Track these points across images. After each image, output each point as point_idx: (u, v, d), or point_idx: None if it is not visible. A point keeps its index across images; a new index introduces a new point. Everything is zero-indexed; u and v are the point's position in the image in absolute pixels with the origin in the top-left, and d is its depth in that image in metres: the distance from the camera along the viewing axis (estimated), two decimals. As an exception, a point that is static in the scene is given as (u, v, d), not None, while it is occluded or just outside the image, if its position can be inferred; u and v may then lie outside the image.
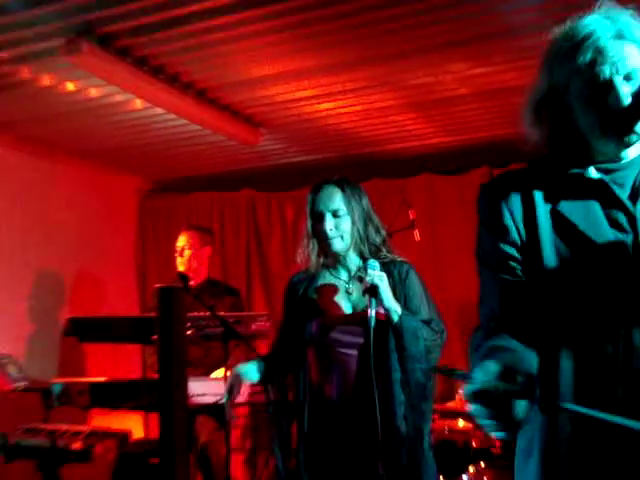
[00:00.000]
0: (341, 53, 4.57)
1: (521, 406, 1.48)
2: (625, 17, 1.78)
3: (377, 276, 2.96)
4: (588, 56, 1.72)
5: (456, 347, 6.15)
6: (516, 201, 1.88)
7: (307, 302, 3.24)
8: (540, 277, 1.80)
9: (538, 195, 1.84)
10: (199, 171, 7.36)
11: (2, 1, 3.76)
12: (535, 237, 1.81)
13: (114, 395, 4.89)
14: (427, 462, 3.13)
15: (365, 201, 3.31)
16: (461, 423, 4.96)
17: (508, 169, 2.04)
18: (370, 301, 2.93)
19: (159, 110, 5.33)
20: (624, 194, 1.77)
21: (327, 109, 5.64)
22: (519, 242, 1.86)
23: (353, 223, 3.20)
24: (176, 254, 5.82)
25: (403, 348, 3.03)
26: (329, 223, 3.16)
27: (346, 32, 4.24)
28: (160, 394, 4.31)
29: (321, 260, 3.29)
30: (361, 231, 3.22)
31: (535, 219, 1.82)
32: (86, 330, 5.21)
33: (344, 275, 3.28)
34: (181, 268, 5.69)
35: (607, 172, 1.80)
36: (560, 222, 1.79)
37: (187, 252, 5.74)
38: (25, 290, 6.18)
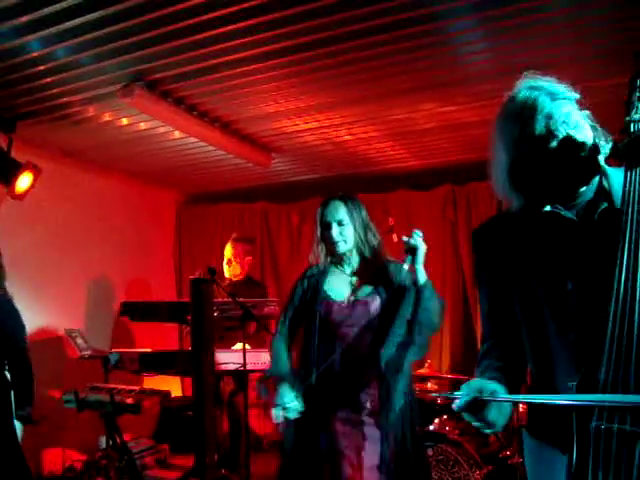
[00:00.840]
0: (337, 94, 4.64)
1: (495, 411, 1.61)
2: (547, 81, 1.76)
3: (419, 241, 2.97)
4: (541, 123, 1.66)
5: (434, 338, 6.25)
6: (496, 244, 1.90)
7: (319, 290, 3.18)
8: (517, 299, 1.83)
9: (514, 237, 1.85)
10: (224, 186, 7.39)
11: (75, 57, 3.85)
12: (513, 267, 1.83)
13: (157, 362, 4.95)
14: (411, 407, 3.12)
15: (364, 212, 3.27)
16: (429, 385, 5.01)
17: (493, 217, 2.03)
18: (407, 258, 2.94)
19: (192, 139, 5.40)
20: (580, 216, 1.74)
21: (325, 138, 5.68)
22: (502, 277, 1.85)
23: (355, 230, 3.17)
24: (224, 262, 5.74)
25: (421, 306, 2.99)
26: (335, 230, 3.13)
27: (341, 78, 4.32)
28: (193, 362, 4.38)
29: (329, 259, 3.25)
30: (361, 236, 3.19)
31: (512, 256, 1.83)
32: (135, 311, 5.26)
33: (348, 270, 3.23)
34: (227, 275, 5.69)
35: (568, 201, 1.76)
36: (530, 255, 1.80)
37: (234, 263, 5.68)
38: (89, 280, 6.25)
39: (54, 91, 4.40)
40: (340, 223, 3.15)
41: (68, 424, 5.23)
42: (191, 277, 4.52)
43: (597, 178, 1.76)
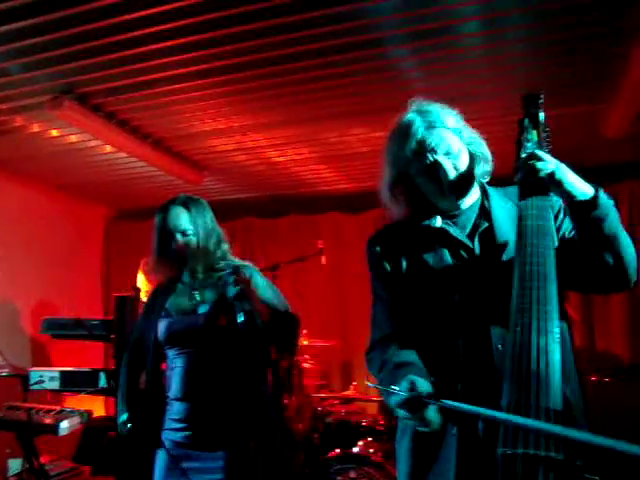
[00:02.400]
0: (270, 115, 4.65)
1: (433, 410, 1.61)
2: (434, 108, 1.90)
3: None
4: (413, 147, 1.83)
5: (360, 360, 6.24)
6: (390, 249, 1.98)
7: (156, 307, 2.87)
8: (409, 303, 1.90)
9: (401, 248, 1.95)
10: (155, 202, 7.19)
11: (4, 64, 3.74)
12: (403, 274, 1.92)
13: (80, 381, 4.80)
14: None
15: (209, 216, 2.92)
16: (355, 407, 5.00)
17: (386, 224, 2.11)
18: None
19: (123, 154, 5.30)
20: (464, 233, 1.88)
21: (258, 158, 5.67)
22: (395, 281, 1.94)
23: (198, 241, 2.80)
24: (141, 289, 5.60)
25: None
26: (178, 242, 2.78)
27: (275, 99, 4.34)
28: (115, 381, 4.26)
29: (170, 272, 2.90)
30: (206, 246, 2.82)
31: (399, 267, 1.93)
32: (57, 329, 5.10)
33: (191, 282, 2.86)
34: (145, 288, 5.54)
35: (451, 218, 1.91)
36: (416, 267, 1.90)
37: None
38: (9, 295, 6.04)
39: (-20, 99, 4.27)
40: (184, 234, 2.81)
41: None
42: (116, 294, 4.41)
43: (479, 199, 1.93)
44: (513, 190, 1.89)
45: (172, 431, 2.73)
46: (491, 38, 3.59)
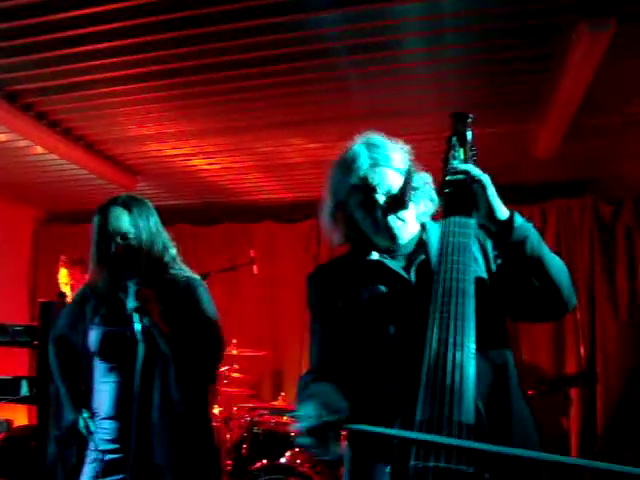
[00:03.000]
0: (206, 122, 4.62)
1: (336, 434, 1.60)
2: (382, 144, 1.90)
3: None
4: (355, 181, 1.84)
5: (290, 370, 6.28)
6: (328, 286, 1.98)
7: (93, 313, 2.62)
8: (344, 340, 1.89)
9: (339, 283, 1.95)
10: (87, 206, 7.08)
11: None
12: (340, 309, 1.91)
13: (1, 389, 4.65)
14: None
15: (154, 219, 2.72)
16: (284, 417, 4.97)
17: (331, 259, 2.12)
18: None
19: (55, 156, 5.15)
20: (400, 266, 1.89)
21: (193, 165, 5.62)
22: (331, 317, 1.93)
23: (140, 245, 2.58)
24: (62, 284, 5.46)
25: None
26: (118, 246, 2.55)
27: (212, 107, 4.33)
28: (38, 388, 4.15)
29: (110, 277, 2.62)
30: (149, 251, 2.61)
31: (337, 298, 1.92)
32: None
33: (130, 289, 2.53)
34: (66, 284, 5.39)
35: (388, 253, 1.92)
36: (354, 298, 1.89)
37: (70, 285, 5.39)
38: None
39: None
40: (124, 237, 2.57)
41: None
42: (40, 300, 4.29)
43: (418, 232, 1.95)
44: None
45: (100, 452, 2.55)
46: (428, 56, 3.67)
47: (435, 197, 1.95)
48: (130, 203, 2.70)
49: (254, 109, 4.36)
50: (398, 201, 1.86)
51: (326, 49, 3.54)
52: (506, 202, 1.74)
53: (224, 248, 6.73)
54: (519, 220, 1.68)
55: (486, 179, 1.70)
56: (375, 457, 1.73)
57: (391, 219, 1.85)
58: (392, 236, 1.88)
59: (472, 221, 1.73)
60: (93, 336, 2.61)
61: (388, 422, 1.64)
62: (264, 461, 4.36)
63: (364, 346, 1.83)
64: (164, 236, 2.75)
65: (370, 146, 1.89)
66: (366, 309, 1.86)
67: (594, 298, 5.93)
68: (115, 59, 3.61)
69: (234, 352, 5.38)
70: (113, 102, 4.22)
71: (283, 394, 5.33)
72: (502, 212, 1.70)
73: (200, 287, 2.71)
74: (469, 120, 1.92)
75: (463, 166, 1.74)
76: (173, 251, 2.75)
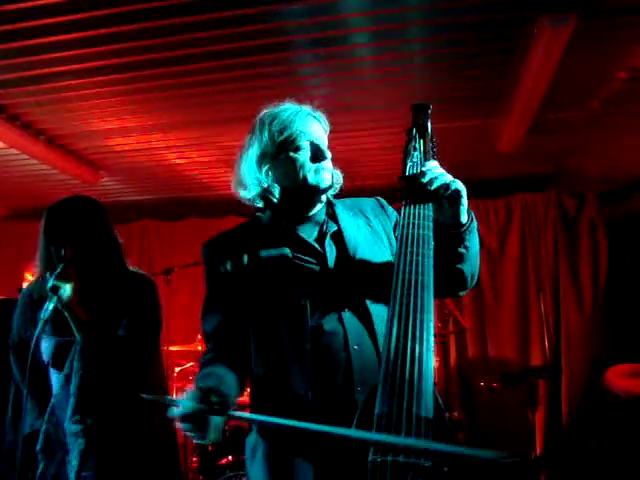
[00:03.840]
0: (170, 116, 4.57)
1: (217, 420, 1.62)
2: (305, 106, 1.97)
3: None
4: (300, 125, 1.87)
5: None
6: (225, 255, 1.94)
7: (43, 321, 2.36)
8: (244, 312, 1.87)
9: (243, 247, 1.92)
10: (49, 202, 7.00)
11: None
12: (241, 278, 1.89)
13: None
14: None
15: (101, 220, 2.64)
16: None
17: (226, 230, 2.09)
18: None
19: (15, 151, 5.06)
20: (311, 237, 1.89)
21: (156, 159, 5.55)
22: (229, 285, 1.91)
23: (86, 247, 2.52)
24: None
25: None
26: (65, 248, 2.46)
27: (174, 100, 4.27)
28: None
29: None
30: (95, 254, 2.55)
31: (239, 265, 1.90)
32: None
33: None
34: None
35: (298, 222, 1.92)
36: (256, 263, 1.88)
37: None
38: None
39: None
40: (71, 239, 2.51)
41: None
42: (-1, 297, 4.21)
43: (324, 205, 1.95)
44: (352, 201, 2.02)
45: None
46: (385, 49, 3.66)
47: (339, 177, 1.97)
48: (77, 204, 2.66)
49: (217, 103, 4.33)
50: (322, 152, 1.88)
51: (285, 42, 3.53)
52: (470, 197, 1.75)
53: (189, 243, 6.67)
54: (474, 225, 1.76)
55: (463, 190, 1.71)
56: (292, 450, 1.73)
57: (323, 187, 1.88)
58: (311, 204, 1.92)
59: (430, 212, 1.73)
60: (45, 346, 2.58)
61: (301, 383, 1.71)
62: (230, 457, 4.34)
63: (270, 315, 1.81)
64: (111, 237, 2.69)
65: (296, 105, 1.95)
66: (275, 277, 1.84)
67: (558, 291, 6.01)
68: (75, 51, 3.54)
69: (199, 348, 5.33)
70: (74, 95, 4.14)
71: (249, 390, 5.29)
72: (464, 217, 1.73)
73: (144, 285, 2.70)
74: (429, 111, 1.93)
75: (441, 179, 1.70)
76: (119, 253, 2.71)
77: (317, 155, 1.87)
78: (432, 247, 1.68)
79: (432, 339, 1.55)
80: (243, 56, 3.65)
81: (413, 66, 3.85)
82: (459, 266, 1.80)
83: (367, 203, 2.04)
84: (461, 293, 1.96)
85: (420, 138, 1.88)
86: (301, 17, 3.28)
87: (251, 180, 1.93)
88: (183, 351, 5.39)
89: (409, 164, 1.81)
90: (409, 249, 1.65)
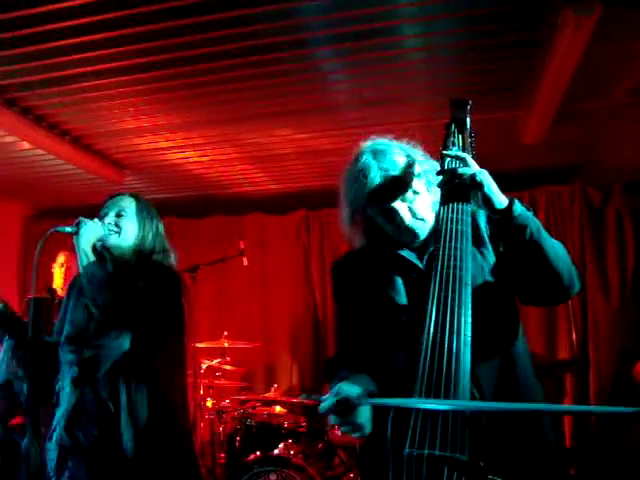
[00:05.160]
0: (193, 114, 4.60)
1: (363, 411, 1.62)
2: (388, 149, 1.93)
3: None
4: (370, 193, 1.88)
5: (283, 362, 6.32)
6: (349, 275, 2.05)
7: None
8: (365, 327, 1.93)
9: (361, 274, 2.00)
10: (75, 202, 7.07)
11: None
12: (360, 298, 1.97)
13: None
14: None
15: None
16: (277, 409, 4.97)
17: (346, 253, 2.15)
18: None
19: (41, 151, 5.12)
20: (413, 256, 1.92)
21: (181, 158, 5.59)
22: (353, 304, 2.00)
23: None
24: (55, 266, 5.39)
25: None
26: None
27: (198, 98, 4.30)
28: (29, 390, 4.14)
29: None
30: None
31: (358, 287, 1.99)
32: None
33: None
34: (59, 280, 5.32)
35: (409, 246, 1.95)
36: (375, 287, 1.93)
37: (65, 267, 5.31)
38: None
39: None
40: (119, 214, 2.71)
41: None
42: (30, 296, 4.26)
43: (434, 222, 1.93)
44: None
45: None
46: (414, 42, 3.65)
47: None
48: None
49: (242, 100, 4.34)
50: (414, 204, 1.89)
51: (310, 38, 3.53)
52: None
53: (214, 241, 6.72)
54: (518, 209, 1.70)
55: (482, 175, 1.71)
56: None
57: (411, 223, 1.90)
58: (415, 235, 1.92)
59: (469, 207, 1.74)
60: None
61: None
62: (257, 453, 4.36)
63: (380, 333, 1.87)
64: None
65: (377, 154, 1.91)
66: (383, 297, 1.89)
67: (585, 283, 5.95)
68: (98, 52, 3.57)
69: (226, 344, 5.37)
70: (98, 96, 4.18)
71: (276, 386, 5.33)
72: (501, 201, 1.70)
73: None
74: (469, 107, 1.95)
75: (462, 169, 1.74)
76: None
77: (402, 226, 1.91)
78: (470, 242, 1.69)
79: (469, 333, 1.56)
80: (264, 53, 3.65)
81: (436, 59, 3.84)
82: (531, 263, 1.72)
83: (481, 213, 1.99)
84: (559, 296, 1.85)
85: (459, 133, 1.90)
86: (322, 13, 3.28)
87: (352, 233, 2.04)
88: (209, 348, 5.42)
89: (447, 159, 1.82)
90: (447, 244, 1.67)
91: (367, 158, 1.91)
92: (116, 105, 4.37)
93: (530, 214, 1.72)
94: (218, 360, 5.43)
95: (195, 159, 5.64)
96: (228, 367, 5.49)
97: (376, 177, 1.86)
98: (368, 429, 1.62)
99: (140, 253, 2.71)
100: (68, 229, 2.64)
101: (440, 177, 1.80)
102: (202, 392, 5.28)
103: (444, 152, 1.85)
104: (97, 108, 4.42)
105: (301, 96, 4.27)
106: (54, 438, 2.57)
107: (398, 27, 3.48)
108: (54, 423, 2.60)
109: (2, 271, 7.08)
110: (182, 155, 5.52)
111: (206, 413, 5.30)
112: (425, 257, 1.89)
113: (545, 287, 1.77)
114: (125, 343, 2.51)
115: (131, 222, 2.72)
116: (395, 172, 1.88)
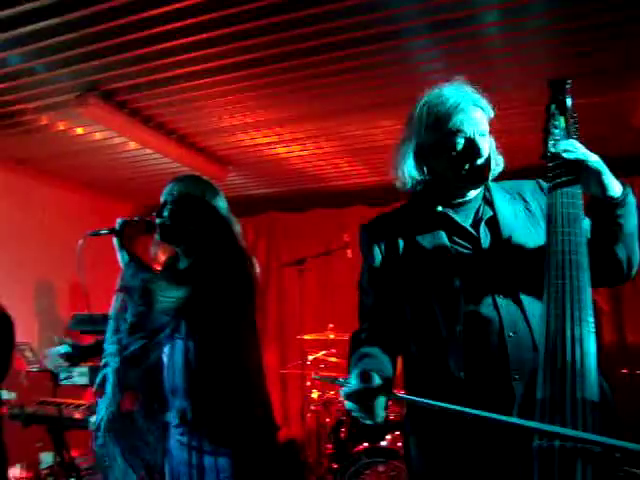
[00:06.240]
0: (294, 109, 4.66)
1: (381, 400, 1.62)
2: (468, 87, 1.91)
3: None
4: (456, 120, 1.81)
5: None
6: (382, 237, 1.94)
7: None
8: (405, 291, 1.87)
9: (399, 231, 1.92)
10: (179, 199, 7.31)
11: (29, 64, 3.79)
12: (400, 257, 1.89)
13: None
14: None
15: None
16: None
17: (381, 212, 2.08)
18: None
19: (148, 151, 5.34)
20: (467, 222, 1.86)
21: (282, 153, 5.68)
22: (386, 268, 1.91)
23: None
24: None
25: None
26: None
27: (298, 93, 4.34)
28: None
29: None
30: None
31: (396, 248, 1.90)
32: (86, 324, 5.15)
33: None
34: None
35: (454, 207, 1.89)
36: (413, 248, 1.87)
37: None
38: (41, 292, 6.14)
39: (7, 98, 4.33)
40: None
41: (10, 440, 5.10)
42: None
43: (482, 189, 1.91)
44: (512, 184, 1.95)
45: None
46: (513, 27, 3.55)
47: (500, 160, 1.93)
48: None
49: (341, 93, 4.36)
50: (476, 150, 1.83)
51: (408, 28, 3.51)
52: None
53: (316, 234, 6.80)
54: (631, 198, 1.67)
55: (601, 166, 1.66)
56: (449, 433, 1.71)
57: (479, 165, 1.83)
58: (469, 185, 1.87)
59: (579, 188, 1.68)
60: None
61: (449, 386, 1.70)
62: (365, 444, 4.40)
63: (426, 296, 1.81)
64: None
65: (460, 90, 1.89)
66: (429, 259, 1.83)
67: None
68: (200, 52, 3.68)
69: (331, 336, 5.42)
70: (201, 95, 4.31)
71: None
72: (615, 190, 1.66)
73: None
74: (567, 86, 1.87)
75: (574, 154, 1.68)
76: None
77: (472, 154, 1.82)
78: (583, 226, 1.63)
79: (591, 320, 1.51)
80: (364, 45, 3.65)
81: (539, 43, 3.75)
82: (612, 246, 1.70)
83: (527, 185, 1.96)
84: (618, 282, 1.83)
85: (560, 115, 1.83)
86: (418, 1, 3.26)
87: (408, 171, 1.92)
88: (314, 340, 5.48)
89: (551, 142, 1.76)
90: (560, 229, 1.61)
91: (447, 89, 1.89)
92: (220, 103, 4.49)
93: (635, 203, 1.69)
94: (323, 352, 5.50)
95: (296, 153, 5.71)
96: (333, 359, 5.55)
97: (461, 102, 1.83)
98: (382, 417, 1.62)
99: (195, 232, 2.63)
100: (104, 231, 2.74)
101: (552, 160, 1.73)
102: (309, 384, 5.36)
103: (549, 142, 1.78)
104: (201, 107, 4.55)
105: (401, 86, 4.24)
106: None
107: (490, 13, 3.42)
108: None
109: (111, 265, 7.36)
110: (283, 150, 5.61)
111: (312, 404, 5.38)
112: (482, 225, 1.85)
113: (618, 271, 1.76)
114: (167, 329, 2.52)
115: (178, 206, 2.66)
116: (478, 105, 1.87)
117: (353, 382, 1.62)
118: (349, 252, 5.57)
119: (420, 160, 1.89)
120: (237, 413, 2.47)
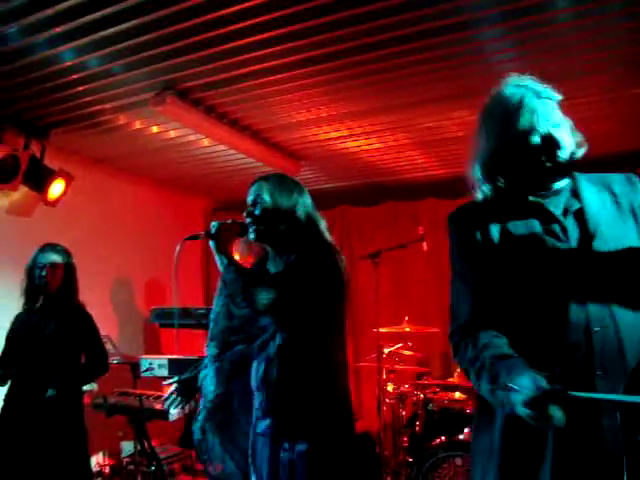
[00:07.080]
0: (365, 102, 4.67)
1: (557, 407, 1.53)
2: (536, 81, 1.89)
3: None
4: (526, 119, 1.80)
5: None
6: (475, 224, 1.90)
7: None
8: (497, 281, 1.83)
9: (491, 219, 1.88)
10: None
11: (107, 66, 3.91)
12: (496, 244, 1.84)
13: (186, 368, 4.96)
14: None
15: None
16: (457, 394, 4.98)
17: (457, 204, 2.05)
18: None
19: (221, 147, 5.45)
20: (557, 211, 1.83)
21: (353, 146, 5.71)
22: (485, 252, 1.86)
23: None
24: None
25: None
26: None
27: (370, 86, 4.35)
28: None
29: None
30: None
31: (490, 236, 1.86)
32: (165, 317, 5.29)
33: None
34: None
35: (543, 197, 1.86)
36: (507, 236, 1.83)
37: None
38: (119, 286, 6.32)
39: (86, 99, 4.47)
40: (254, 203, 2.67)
41: (93, 429, 5.29)
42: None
43: (569, 180, 1.87)
44: (600, 176, 1.91)
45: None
46: (587, 12, 3.45)
47: (581, 141, 1.87)
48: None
49: (412, 85, 4.35)
50: (559, 138, 1.80)
51: (479, 18, 3.45)
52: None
53: (389, 227, 6.80)
54: None
55: None
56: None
57: (562, 158, 1.81)
58: (553, 178, 1.85)
59: None
60: None
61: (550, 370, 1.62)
62: (442, 438, 4.40)
63: (522, 285, 1.77)
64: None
65: (521, 86, 1.88)
66: (524, 247, 1.80)
67: None
68: (273, 48, 3.72)
69: (407, 329, 5.43)
70: (275, 90, 4.36)
71: (459, 370, 5.28)
72: None
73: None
74: None
75: None
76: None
77: (551, 149, 1.80)
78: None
79: None
80: (435, 37, 3.63)
81: (616, 27, 3.64)
82: None
83: (615, 179, 1.91)
84: None
85: None
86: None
87: (484, 170, 1.93)
88: (390, 333, 5.48)
89: None
90: None
91: (516, 88, 1.88)
92: (292, 98, 4.53)
93: None
94: (399, 345, 5.50)
95: (367, 147, 5.72)
96: (407, 352, 5.56)
97: (532, 99, 1.82)
98: (562, 422, 1.51)
99: (287, 231, 2.66)
100: (201, 235, 2.77)
101: None
102: (384, 376, 5.37)
103: None
104: (274, 102, 4.60)
105: (472, 77, 4.19)
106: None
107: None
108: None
109: (188, 260, 7.55)
110: (355, 144, 5.63)
111: (387, 397, 5.40)
112: (570, 216, 1.82)
113: None
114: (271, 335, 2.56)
115: (270, 206, 2.65)
116: (548, 97, 1.85)
117: (526, 386, 1.55)
118: (424, 245, 5.54)
119: (493, 170, 1.89)
120: (318, 408, 2.52)
